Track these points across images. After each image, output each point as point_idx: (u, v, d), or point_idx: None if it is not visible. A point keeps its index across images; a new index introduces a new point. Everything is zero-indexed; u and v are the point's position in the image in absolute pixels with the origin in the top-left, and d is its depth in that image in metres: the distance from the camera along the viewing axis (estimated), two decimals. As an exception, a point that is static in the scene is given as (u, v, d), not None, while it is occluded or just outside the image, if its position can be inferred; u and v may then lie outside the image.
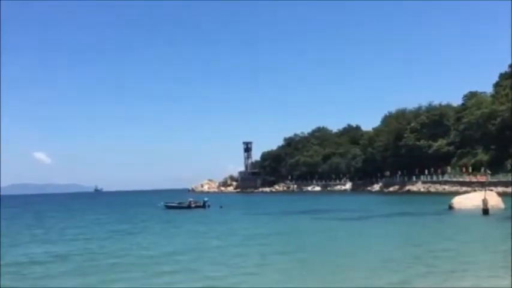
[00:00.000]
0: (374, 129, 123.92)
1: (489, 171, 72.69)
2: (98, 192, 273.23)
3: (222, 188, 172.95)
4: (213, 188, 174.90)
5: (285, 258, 18.16)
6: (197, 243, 23.69)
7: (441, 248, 19.78)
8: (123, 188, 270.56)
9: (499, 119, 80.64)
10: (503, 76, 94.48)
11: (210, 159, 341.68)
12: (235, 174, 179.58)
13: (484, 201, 35.71)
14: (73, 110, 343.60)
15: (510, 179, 72.58)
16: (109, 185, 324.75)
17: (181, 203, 59.60)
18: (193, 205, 57.62)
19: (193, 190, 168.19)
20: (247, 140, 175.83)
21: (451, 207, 41.85)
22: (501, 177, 73.93)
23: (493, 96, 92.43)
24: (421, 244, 21.24)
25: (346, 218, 37.22)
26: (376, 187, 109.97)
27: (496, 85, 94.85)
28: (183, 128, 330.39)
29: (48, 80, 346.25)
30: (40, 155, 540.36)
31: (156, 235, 28.27)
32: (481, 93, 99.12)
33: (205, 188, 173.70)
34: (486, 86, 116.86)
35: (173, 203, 60.92)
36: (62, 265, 17.53)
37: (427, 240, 22.53)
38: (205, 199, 60.13)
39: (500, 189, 62.94)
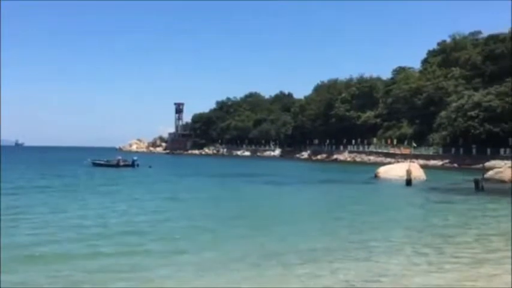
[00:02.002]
0: (306, 97, 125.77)
1: (414, 144, 75.98)
2: (18, 147, 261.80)
3: (151, 149, 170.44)
4: (142, 148, 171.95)
5: (217, 220, 18.14)
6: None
7: (369, 214, 20.42)
8: (47, 143, 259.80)
9: (424, 95, 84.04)
10: (431, 53, 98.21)
11: (140, 119, 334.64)
12: (165, 135, 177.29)
13: (408, 172, 37.06)
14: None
15: (431, 153, 76.30)
16: (31, 139, 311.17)
17: (109, 161, 58.20)
18: (121, 163, 56.43)
19: (120, 149, 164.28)
20: (179, 101, 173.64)
21: (376, 177, 43.35)
22: (423, 150, 77.53)
23: (420, 72, 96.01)
24: (349, 209, 21.83)
25: (277, 183, 37.69)
26: (305, 154, 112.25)
27: (424, 61, 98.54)
28: (112, 86, 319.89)
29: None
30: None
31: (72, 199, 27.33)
32: (410, 68, 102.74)
33: (134, 147, 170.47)
34: (415, 62, 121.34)
35: (101, 160, 59.35)
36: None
37: (354, 206, 23.21)
38: (135, 158, 59.05)
39: (421, 161, 65.98)
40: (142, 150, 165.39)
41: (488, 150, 67.46)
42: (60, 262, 10.82)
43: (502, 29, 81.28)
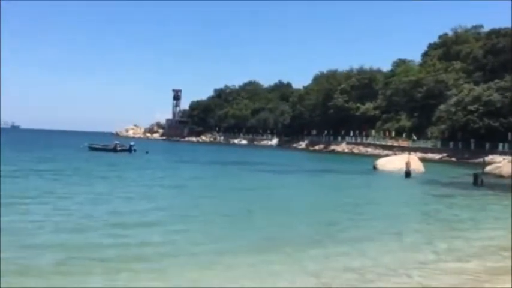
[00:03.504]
0: (305, 87, 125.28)
1: (415, 137, 75.94)
2: (14, 129, 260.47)
3: (148, 135, 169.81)
4: (139, 133, 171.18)
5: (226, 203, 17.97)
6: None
7: (369, 202, 20.29)
8: (42, 126, 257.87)
9: (424, 88, 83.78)
10: (431, 46, 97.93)
11: (137, 105, 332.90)
12: (163, 121, 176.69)
13: (407, 164, 37.02)
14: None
15: (429, 146, 76.26)
16: (28, 122, 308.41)
17: (106, 146, 57.95)
18: (118, 148, 56.18)
19: (117, 134, 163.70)
20: (177, 87, 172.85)
21: (375, 168, 43.26)
22: (421, 143, 77.47)
23: (420, 65, 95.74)
24: (352, 197, 21.72)
25: (277, 172, 37.60)
26: (302, 144, 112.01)
27: (425, 54, 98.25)
28: (110, 71, 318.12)
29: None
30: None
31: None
32: (410, 61, 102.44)
33: (130, 133, 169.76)
34: (415, 55, 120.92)
35: (98, 144, 59.09)
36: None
37: (355, 195, 23.14)
38: (132, 143, 58.84)
39: (419, 154, 65.89)
40: (139, 135, 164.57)
41: (487, 145, 67.41)
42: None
43: (504, 24, 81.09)
